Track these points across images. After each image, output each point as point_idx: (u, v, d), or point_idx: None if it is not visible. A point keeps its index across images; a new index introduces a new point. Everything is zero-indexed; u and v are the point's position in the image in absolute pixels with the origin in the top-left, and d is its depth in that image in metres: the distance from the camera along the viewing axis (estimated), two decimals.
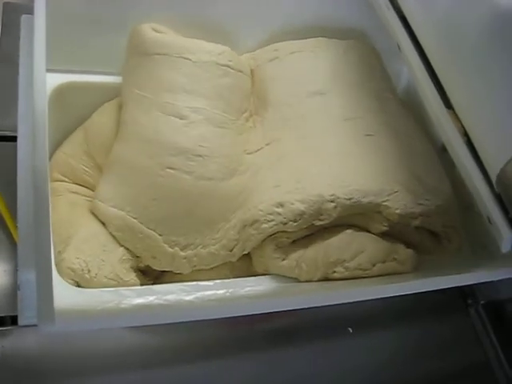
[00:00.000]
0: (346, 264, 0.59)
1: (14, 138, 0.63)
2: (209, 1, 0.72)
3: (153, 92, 0.65)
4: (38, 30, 0.53)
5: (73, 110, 0.70)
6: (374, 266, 0.60)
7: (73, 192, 0.68)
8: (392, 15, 0.65)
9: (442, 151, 0.73)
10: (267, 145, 0.68)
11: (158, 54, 0.66)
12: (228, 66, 0.68)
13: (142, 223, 0.62)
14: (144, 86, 0.66)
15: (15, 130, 0.57)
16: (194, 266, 0.63)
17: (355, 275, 0.60)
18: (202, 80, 0.66)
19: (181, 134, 0.63)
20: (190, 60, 0.66)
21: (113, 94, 0.71)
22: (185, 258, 0.63)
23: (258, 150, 0.68)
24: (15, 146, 0.55)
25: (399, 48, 0.64)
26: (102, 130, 0.69)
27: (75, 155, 0.69)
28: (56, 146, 0.70)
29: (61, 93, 0.68)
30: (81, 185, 0.69)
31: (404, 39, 0.63)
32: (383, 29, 0.67)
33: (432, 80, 0.60)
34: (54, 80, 0.67)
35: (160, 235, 0.62)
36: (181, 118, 0.64)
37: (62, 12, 0.64)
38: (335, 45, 0.76)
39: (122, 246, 0.62)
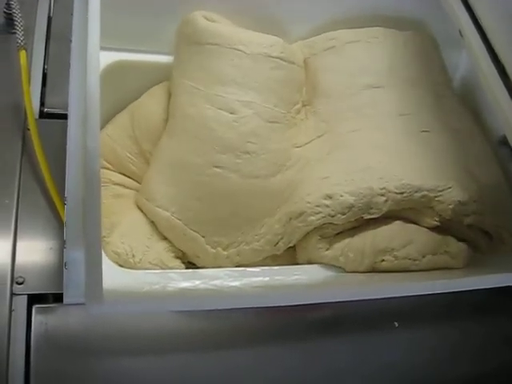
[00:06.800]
0: (395, 253, 0.59)
1: (63, 116, 0.64)
2: None
3: (203, 83, 0.64)
4: (92, 7, 0.52)
5: (122, 88, 0.70)
6: (423, 257, 0.59)
7: (117, 183, 0.68)
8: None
9: (500, 144, 0.71)
10: (319, 137, 0.67)
11: (210, 44, 0.65)
12: (280, 58, 0.67)
13: (186, 225, 0.62)
14: (194, 77, 0.65)
15: (65, 108, 0.56)
16: (237, 262, 0.63)
17: (404, 265, 0.59)
18: (254, 72, 0.65)
19: (230, 129, 0.62)
20: (243, 52, 0.65)
21: (163, 73, 0.70)
22: (227, 258, 0.63)
23: (309, 142, 0.67)
24: (65, 124, 0.54)
25: (461, 34, 0.62)
26: (149, 115, 0.69)
27: (119, 140, 0.69)
28: (105, 124, 0.70)
29: (111, 71, 0.68)
30: (125, 175, 0.70)
31: (467, 24, 0.60)
32: (443, 17, 0.65)
33: (496, 69, 0.57)
34: (105, 58, 0.67)
35: (203, 236, 0.62)
36: (231, 113, 0.63)
37: None
38: (393, 36, 0.74)
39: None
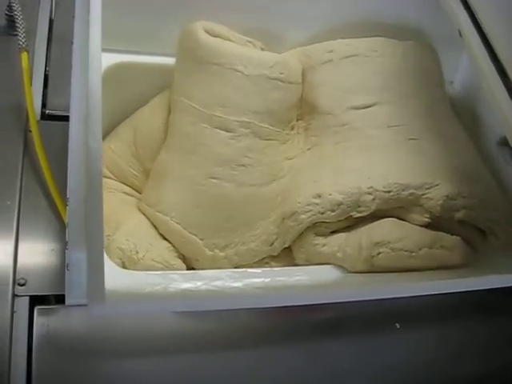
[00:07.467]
0: (392, 245, 0.59)
1: (65, 118, 0.64)
2: None
3: (201, 103, 0.65)
4: (93, 9, 0.52)
5: (124, 89, 0.71)
6: (420, 250, 0.59)
7: (123, 192, 0.70)
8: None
9: (500, 146, 0.71)
10: (308, 150, 0.69)
11: (210, 64, 0.66)
12: (278, 80, 0.67)
13: (184, 228, 0.63)
14: (193, 96, 0.66)
15: (67, 110, 0.57)
16: (235, 263, 0.64)
17: (401, 257, 0.59)
18: (252, 94, 0.66)
19: (226, 146, 0.64)
20: (242, 73, 0.66)
21: (164, 74, 0.70)
22: (225, 258, 0.64)
23: (300, 154, 0.69)
24: (66, 126, 0.54)
25: (460, 35, 0.62)
26: (151, 136, 0.70)
27: (124, 156, 0.70)
28: (106, 127, 0.70)
29: (112, 73, 0.68)
30: (128, 185, 0.71)
31: (466, 24, 0.60)
32: (443, 20, 0.65)
33: (496, 69, 0.57)
34: (106, 60, 0.67)
35: (201, 240, 0.63)
36: (228, 131, 0.64)
37: None
38: (393, 47, 0.73)
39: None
